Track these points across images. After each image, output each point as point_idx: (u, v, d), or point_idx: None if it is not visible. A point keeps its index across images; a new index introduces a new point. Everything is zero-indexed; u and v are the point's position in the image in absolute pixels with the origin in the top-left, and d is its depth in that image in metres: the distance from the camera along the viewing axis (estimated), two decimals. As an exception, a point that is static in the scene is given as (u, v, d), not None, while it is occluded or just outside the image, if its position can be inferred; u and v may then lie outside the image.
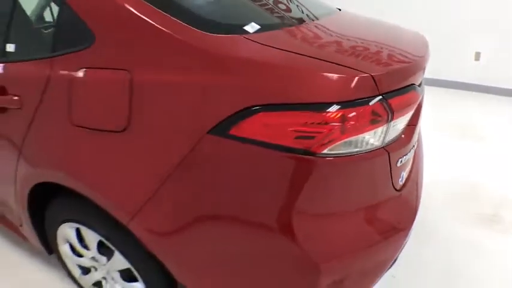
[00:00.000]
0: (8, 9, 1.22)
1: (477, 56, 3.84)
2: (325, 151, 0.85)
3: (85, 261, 1.31)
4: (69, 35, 1.03)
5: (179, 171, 0.93)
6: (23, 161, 1.17)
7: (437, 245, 1.80)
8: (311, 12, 1.32)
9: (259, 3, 1.24)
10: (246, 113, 0.85)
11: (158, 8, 0.95)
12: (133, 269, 1.14)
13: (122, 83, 0.94)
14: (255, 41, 0.94)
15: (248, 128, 0.85)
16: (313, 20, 1.23)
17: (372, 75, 0.85)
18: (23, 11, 1.25)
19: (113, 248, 1.13)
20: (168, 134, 0.92)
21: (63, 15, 1.05)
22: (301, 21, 1.20)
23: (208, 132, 0.88)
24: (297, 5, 1.36)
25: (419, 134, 1.44)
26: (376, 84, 0.85)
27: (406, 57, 1.05)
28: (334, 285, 0.97)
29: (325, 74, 0.83)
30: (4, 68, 1.20)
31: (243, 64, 0.87)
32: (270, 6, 1.26)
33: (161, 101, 0.92)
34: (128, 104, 0.94)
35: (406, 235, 1.08)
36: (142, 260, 1.10)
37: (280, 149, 0.84)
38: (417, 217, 1.20)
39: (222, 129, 0.87)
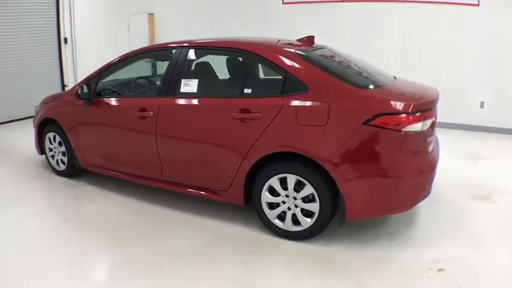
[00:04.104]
0: (240, 74, 2.98)
1: (482, 104, 5.71)
2: (403, 130, 2.54)
3: (278, 199, 2.84)
4: (293, 86, 2.74)
5: (347, 141, 2.57)
6: (258, 144, 2.78)
7: (450, 210, 3.40)
8: (387, 79, 3.08)
9: (370, 78, 2.99)
10: (376, 116, 2.53)
11: (335, 77, 2.72)
12: (315, 194, 2.69)
13: (325, 107, 2.62)
14: (375, 91, 2.71)
15: (377, 121, 2.53)
16: (390, 84, 3.00)
17: (419, 103, 2.60)
18: (257, 72, 3.00)
19: (306, 182, 2.69)
20: (343, 125, 2.58)
21: (288, 78, 2.77)
22: (386, 83, 2.95)
23: (361, 124, 2.54)
24: (380, 77, 3.13)
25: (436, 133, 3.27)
26: (421, 107, 2.59)
27: (429, 96, 2.83)
28: (412, 187, 2.63)
29: (403, 102, 2.58)
30: (246, 101, 2.89)
31: (375, 99, 2.61)
32: (373, 78, 3.00)
33: (340, 112, 2.60)
34: (327, 114, 2.60)
35: (433, 172, 2.76)
36: (323, 187, 2.66)
37: (388, 129, 2.52)
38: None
39: (367, 122, 2.54)
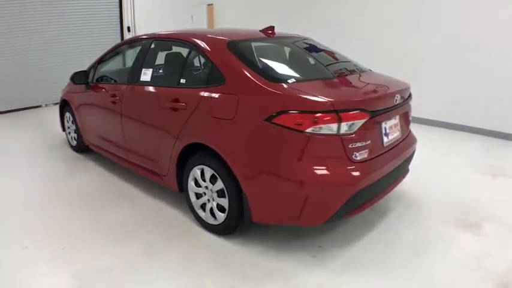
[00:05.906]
0: (180, 65, 3.05)
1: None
2: (307, 130, 2.30)
3: (200, 190, 2.88)
4: (215, 77, 2.73)
5: (250, 138, 2.47)
6: (183, 133, 2.85)
7: (421, 235, 2.96)
8: (328, 72, 2.86)
9: (306, 69, 2.84)
10: (280, 113, 2.36)
11: (253, 69, 2.61)
12: (224, 189, 2.67)
13: (235, 100, 2.55)
14: (290, 87, 2.51)
15: (280, 119, 2.36)
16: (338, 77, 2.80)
17: (331, 102, 2.32)
18: (189, 66, 3.05)
19: (217, 176, 2.69)
20: (248, 121, 2.49)
21: (213, 71, 2.76)
22: (317, 77, 2.76)
23: (264, 120, 2.41)
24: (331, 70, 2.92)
25: (407, 140, 3.02)
26: (333, 106, 2.31)
27: (371, 94, 2.58)
28: (321, 199, 2.37)
29: (315, 99, 2.34)
30: (178, 90, 2.97)
31: (281, 95, 2.43)
32: (307, 70, 2.82)
33: (247, 107, 2.51)
34: (235, 108, 2.54)
35: (356, 186, 2.40)
36: (230, 182, 2.61)
37: (290, 129, 2.33)
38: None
39: (269, 119, 2.39)
